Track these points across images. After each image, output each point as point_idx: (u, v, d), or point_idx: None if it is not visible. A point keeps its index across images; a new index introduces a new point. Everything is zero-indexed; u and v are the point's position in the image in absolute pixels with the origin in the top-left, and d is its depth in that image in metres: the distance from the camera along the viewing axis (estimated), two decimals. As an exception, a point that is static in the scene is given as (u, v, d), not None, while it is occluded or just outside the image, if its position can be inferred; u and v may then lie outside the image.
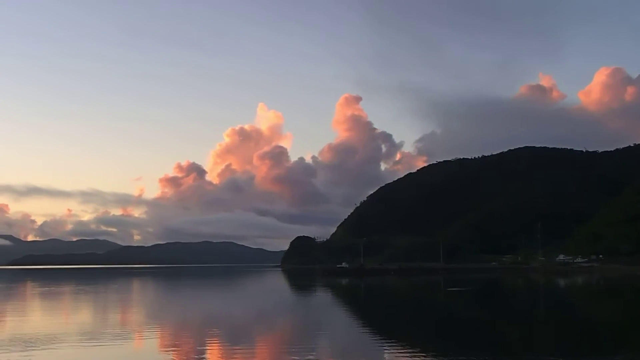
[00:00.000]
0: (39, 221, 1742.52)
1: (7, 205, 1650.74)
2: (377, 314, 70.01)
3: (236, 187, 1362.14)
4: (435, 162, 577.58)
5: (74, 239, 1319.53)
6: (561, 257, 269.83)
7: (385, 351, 38.88)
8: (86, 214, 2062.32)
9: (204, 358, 35.96)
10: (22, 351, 37.31)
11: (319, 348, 39.80)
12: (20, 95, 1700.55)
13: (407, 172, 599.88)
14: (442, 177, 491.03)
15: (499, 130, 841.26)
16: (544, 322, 58.61)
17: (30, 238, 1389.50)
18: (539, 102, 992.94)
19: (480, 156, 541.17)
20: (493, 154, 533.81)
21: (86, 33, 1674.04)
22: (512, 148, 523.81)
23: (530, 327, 52.51)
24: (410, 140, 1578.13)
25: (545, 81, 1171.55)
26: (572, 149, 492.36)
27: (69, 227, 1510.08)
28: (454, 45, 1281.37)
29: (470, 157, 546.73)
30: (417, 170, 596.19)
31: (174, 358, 36.01)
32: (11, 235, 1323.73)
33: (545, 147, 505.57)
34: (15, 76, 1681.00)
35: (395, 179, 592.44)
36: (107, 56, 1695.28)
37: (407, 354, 36.48)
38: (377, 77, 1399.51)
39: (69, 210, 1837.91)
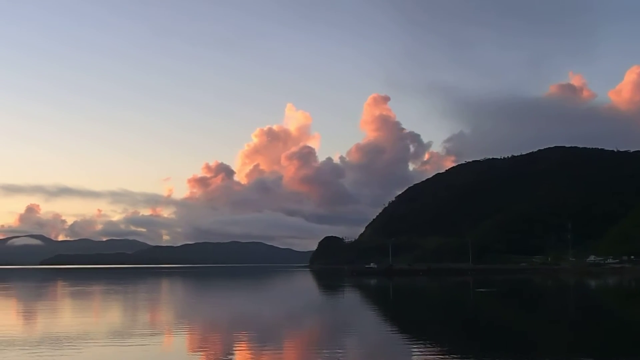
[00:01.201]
0: (70, 221, 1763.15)
1: (38, 206, 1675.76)
2: (406, 315, 69.51)
3: (264, 188, 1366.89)
4: (464, 162, 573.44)
5: (104, 239, 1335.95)
6: (592, 257, 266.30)
7: (414, 352, 38.52)
8: (116, 214, 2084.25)
9: (232, 359, 35.91)
10: (52, 350, 37.60)
11: (348, 349, 39.58)
12: (51, 96, 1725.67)
13: (436, 172, 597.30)
14: (471, 177, 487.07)
15: (529, 129, 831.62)
16: (574, 323, 57.73)
17: (61, 238, 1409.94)
18: (570, 102, 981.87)
19: (509, 156, 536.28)
20: (523, 153, 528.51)
21: (115, 34, 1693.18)
22: (542, 148, 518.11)
23: (560, 329, 51.72)
24: (439, 140, 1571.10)
25: (575, 80, 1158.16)
26: (602, 149, 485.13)
27: (99, 227, 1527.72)
28: (484, 44, 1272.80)
29: (499, 157, 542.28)
30: (446, 170, 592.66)
31: (203, 358, 36.05)
32: (42, 235, 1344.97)
33: (575, 146, 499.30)
34: (47, 78, 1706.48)
35: (424, 179, 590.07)
36: (136, 57, 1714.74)
37: (436, 355, 36.12)
38: (406, 77, 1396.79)
39: (99, 210, 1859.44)
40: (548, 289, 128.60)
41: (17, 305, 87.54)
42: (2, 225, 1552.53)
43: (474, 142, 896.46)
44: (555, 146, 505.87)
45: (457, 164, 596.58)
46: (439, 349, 38.41)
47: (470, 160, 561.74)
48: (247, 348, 40.44)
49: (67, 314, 68.46)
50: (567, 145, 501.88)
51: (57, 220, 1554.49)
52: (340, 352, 36.98)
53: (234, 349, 40.01)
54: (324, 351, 37.10)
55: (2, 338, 43.22)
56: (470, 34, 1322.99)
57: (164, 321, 59.57)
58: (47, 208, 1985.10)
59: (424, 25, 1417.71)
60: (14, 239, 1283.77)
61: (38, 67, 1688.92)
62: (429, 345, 40.44)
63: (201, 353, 37.87)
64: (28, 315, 67.56)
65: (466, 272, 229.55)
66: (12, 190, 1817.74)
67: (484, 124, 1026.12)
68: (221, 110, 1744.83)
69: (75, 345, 39.41)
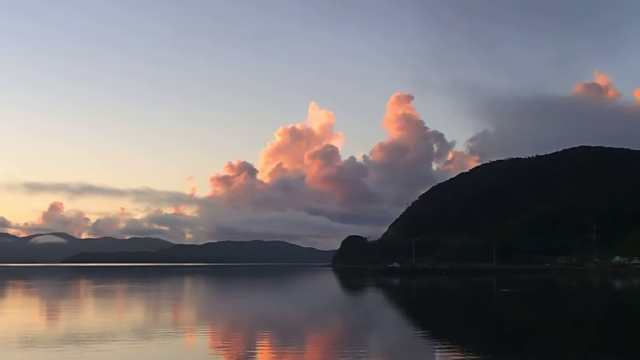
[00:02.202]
0: (93, 219, 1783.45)
1: (61, 204, 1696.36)
2: (429, 315, 69.00)
3: (287, 187, 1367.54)
4: (488, 162, 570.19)
5: (127, 237, 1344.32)
6: (617, 258, 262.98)
7: (437, 353, 38.10)
8: (139, 212, 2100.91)
9: (254, 357, 35.70)
10: (75, 349, 37.66)
11: (370, 349, 39.23)
12: (76, 95, 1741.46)
13: (460, 172, 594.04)
14: (495, 176, 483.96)
15: (554, 129, 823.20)
16: (598, 323, 56.88)
17: (84, 236, 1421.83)
18: (595, 101, 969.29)
19: (534, 156, 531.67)
20: (547, 153, 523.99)
21: (139, 33, 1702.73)
22: (567, 147, 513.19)
23: (583, 329, 50.96)
24: (462, 139, 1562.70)
25: (600, 79, 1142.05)
26: (628, 149, 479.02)
27: (122, 225, 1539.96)
28: (509, 43, 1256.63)
29: (524, 157, 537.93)
30: (470, 169, 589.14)
31: (225, 358, 35.89)
32: (65, 233, 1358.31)
33: (600, 146, 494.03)
34: (71, 77, 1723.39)
35: (448, 179, 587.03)
36: (160, 56, 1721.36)
37: (458, 356, 35.63)
38: (430, 75, 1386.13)
39: (122, 208, 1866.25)
40: (572, 290, 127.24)
41: (40, 303, 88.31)
42: (26, 223, 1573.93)
43: (498, 141, 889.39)
44: (580, 146, 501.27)
45: (481, 164, 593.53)
46: (461, 349, 37.88)
47: (494, 160, 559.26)
48: (269, 348, 40.24)
49: (90, 313, 68.85)
50: (592, 145, 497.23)
51: (80, 218, 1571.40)
52: (362, 352, 36.62)
53: (256, 348, 39.82)
54: (347, 351, 36.76)
55: (25, 336, 43.44)
56: (496, 33, 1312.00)
57: (186, 320, 59.63)
58: (71, 206, 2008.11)
59: (449, 23, 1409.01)
60: (38, 237, 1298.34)
61: (62, 66, 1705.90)
62: (451, 346, 39.95)
63: (223, 352, 37.68)
64: (51, 313, 68.06)
65: (490, 272, 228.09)
66: (36, 188, 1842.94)
67: (508, 123, 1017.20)
68: (244, 109, 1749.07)
69: (97, 344, 39.43)
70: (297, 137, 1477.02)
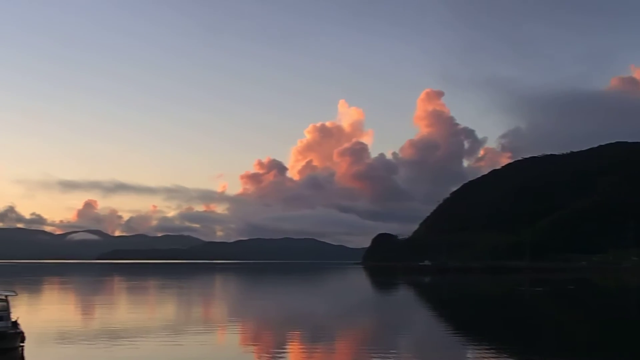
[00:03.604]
0: (126, 217, 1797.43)
1: (96, 202, 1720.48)
2: (460, 313, 68.56)
3: (317, 184, 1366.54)
4: (520, 159, 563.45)
5: (159, 235, 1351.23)
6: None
7: (468, 353, 37.87)
8: (170, 210, 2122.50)
9: (284, 355, 35.81)
10: (109, 344, 38.17)
11: (401, 347, 39.11)
12: (108, 94, 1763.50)
13: (491, 169, 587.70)
14: (528, 173, 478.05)
15: (589, 124, 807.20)
16: (633, 323, 56.01)
17: (117, 233, 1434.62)
18: (632, 95, 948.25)
19: (568, 152, 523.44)
20: (582, 149, 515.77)
21: (171, 30, 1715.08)
22: (603, 144, 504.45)
23: (617, 328, 50.19)
24: (494, 136, 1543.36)
25: (638, 74, 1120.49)
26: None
27: (154, 222, 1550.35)
28: (542, 38, 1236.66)
29: (558, 154, 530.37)
30: (502, 166, 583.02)
31: (255, 354, 36.06)
32: (100, 230, 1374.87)
33: (638, 142, 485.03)
34: (106, 75, 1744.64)
35: (479, 176, 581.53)
36: (190, 53, 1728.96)
37: (490, 355, 35.38)
38: (461, 72, 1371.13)
39: (153, 206, 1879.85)
40: (607, 289, 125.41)
41: (75, 299, 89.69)
42: (61, 221, 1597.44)
43: (531, 137, 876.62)
44: (616, 142, 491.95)
45: (513, 160, 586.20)
46: (492, 349, 37.61)
47: (527, 157, 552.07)
48: (299, 345, 40.34)
49: (123, 309, 69.68)
50: (629, 141, 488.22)
51: (113, 215, 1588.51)
52: (393, 351, 36.51)
53: (286, 345, 39.95)
54: (376, 350, 36.70)
55: (61, 331, 44.11)
56: (529, 28, 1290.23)
57: (218, 317, 60.06)
58: (104, 204, 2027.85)
59: (481, 18, 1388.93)
60: (73, 234, 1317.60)
61: (95, 64, 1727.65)
62: (482, 345, 39.72)
63: (254, 349, 37.88)
64: (86, 309, 69.04)
65: (522, 271, 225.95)
66: (71, 186, 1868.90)
67: (541, 119, 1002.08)
68: (274, 106, 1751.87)
69: (131, 340, 39.91)
70: (327, 134, 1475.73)
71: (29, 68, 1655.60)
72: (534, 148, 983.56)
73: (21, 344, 34.24)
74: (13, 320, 35.72)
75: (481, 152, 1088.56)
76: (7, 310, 35.28)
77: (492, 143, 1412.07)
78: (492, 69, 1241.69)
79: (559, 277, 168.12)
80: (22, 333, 34.49)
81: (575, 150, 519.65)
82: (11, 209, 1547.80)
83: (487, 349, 37.78)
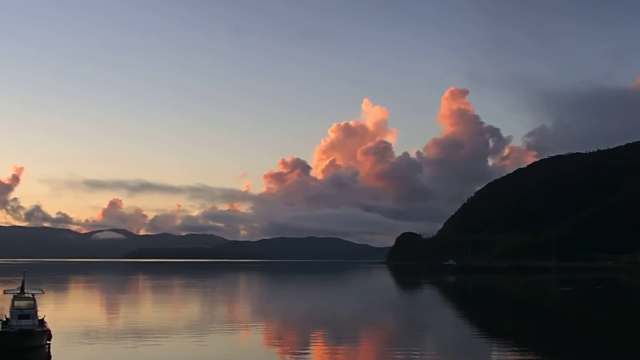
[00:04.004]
0: (150, 216, 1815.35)
1: (121, 201, 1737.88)
2: (485, 313, 67.99)
3: (340, 183, 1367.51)
4: (546, 157, 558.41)
5: (183, 234, 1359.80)
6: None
7: (493, 353, 37.47)
8: (194, 209, 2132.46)
9: (308, 355, 35.65)
10: (134, 343, 38.34)
11: (425, 347, 38.79)
12: (133, 94, 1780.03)
13: (517, 168, 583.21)
14: (554, 172, 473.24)
15: (617, 122, 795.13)
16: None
17: (142, 232, 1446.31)
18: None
19: (595, 150, 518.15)
20: (609, 147, 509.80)
21: (197, 31, 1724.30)
22: (631, 141, 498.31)
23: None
24: (519, 134, 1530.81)
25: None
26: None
27: (178, 222, 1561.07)
28: (568, 35, 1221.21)
29: (584, 152, 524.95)
30: (528, 165, 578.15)
31: (279, 354, 35.95)
32: (125, 230, 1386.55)
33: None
34: (131, 74, 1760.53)
35: (504, 175, 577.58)
36: (216, 53, 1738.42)
37: (515, 355, 34.94)
38: (486, 69, 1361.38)
39: (178, 205, 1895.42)
40: (636, 288, 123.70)
41: (101, 297, 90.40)
42: (87, 220, 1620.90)
43: (557, 136, 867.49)
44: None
45: (539, 159, 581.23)
46: (518, 349, 37.18)
47: (553, 155, 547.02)
48: (323, 344, 40.21)
49: (148, 307, 70.06)
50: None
51: (138, 214, 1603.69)
52: (416, 351, 36.20)
53: (310, 344, 39.86)
54: (400, 350, 36.42)
55: (87, 330, 44.41)
56: (555, 24, 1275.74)
57: (242, 316, 60.11)
58: (129, 203, 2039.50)
59: (506, 15, 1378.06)
60: (98, 233, 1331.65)
61: (121, 64, 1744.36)
62: (507, 344, 39.35)
63: (278, 349, 37.78)
64: (111, 308, 69.49)
65: (549, 270, 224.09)
66: (96, 185, 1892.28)
67: (567, 117, 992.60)
68: (298, 105, 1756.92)
69: (156, 339, 40.08)
70: (351, 133, 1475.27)
71: (56, 68, 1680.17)
72: (559, 146, 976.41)
73: (48, 342, 34.52)
74: (40, 318, 36.09)
75: (506, 151, 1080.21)
76: (34, 308, 35.66)
77: (517, 142, 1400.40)
78: (517, 66, 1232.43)
79: (585, 277, 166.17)
80: (48, 331, 34.78)
81: (601, 148, 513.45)
82: (37, 208, 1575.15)
83: (512, 350, 37.38)
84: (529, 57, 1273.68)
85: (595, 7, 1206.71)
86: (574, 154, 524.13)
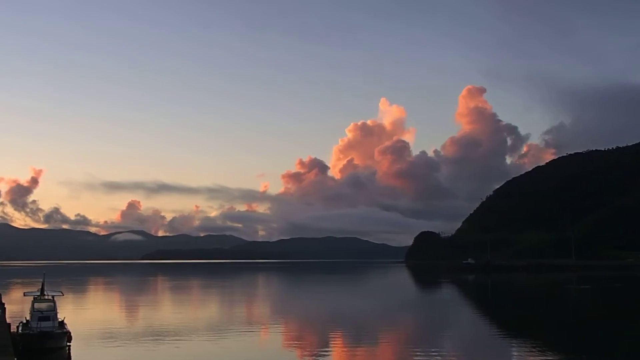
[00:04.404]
0: (169, 217, 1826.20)
1: (139, 202, 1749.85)
2: (505, 312, 67.57)
3: (358, 182, 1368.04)
4: (565, 155, 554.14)
5: (202, 235, 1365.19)
6: None
7: (513, 353, 37.22)
8: (212, 209, 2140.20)
9: (327, 355, 35.60)
10: (153, 344, 38.49)
11: (444, 347, 38.61)
12: (151, 93, 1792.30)
13: (535, 166, 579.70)
14: (573, 170, 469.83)
15: (636, 119, 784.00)
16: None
17: (160, 233, 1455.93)
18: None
19: (614, 147, 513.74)
20: (628, 144, 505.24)
21: (215, 30, 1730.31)
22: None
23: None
24: (537, 132, 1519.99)
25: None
26: None
27: (197, 222, 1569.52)
28: (588, 29, 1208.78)
29: (603, 149, 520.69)
30: (546, 163, 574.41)
31: (298, 354, 35.96)
32: (143, 231, 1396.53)
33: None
34: (148, 75, 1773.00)
35: (523, 173, 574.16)
36: (235, 52, 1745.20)
37: (535, 355, 34.69)
38: (503, 67, 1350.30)
39: (196, 206, 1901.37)
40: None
41: (120, 299, 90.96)
42: (106, 222, 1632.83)
43: (576, 133, 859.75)
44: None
45: (557, 157, 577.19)
46: (541, 349, 36.87)
47: (571, 153, 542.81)
48: (342, 345, 40.13)
49: (167, 308, 70.35)
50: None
51: (156, 216, 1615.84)
52: (435, 351, 36.04)
53: (329, 344, 39.77)
54: (419, 350, 36.26)
55: (106, 331, 44.68)
56: (574, 19, 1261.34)
57: (261, 317, 60.19)
58: (148, 204, 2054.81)
59: (524, 10, 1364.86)
60: (117, 235, 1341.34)
61: (141, 65, 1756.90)
62: (527, 343, 39.05)
63: (297, 349, 37.78)
64: (131, 309, 69.86)
65: (568, 268, 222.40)
66: (114, 187, 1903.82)
67: (586, 114, 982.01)
68: (315, 105, 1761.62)
69: (175, 340, 40.20)
70: (368, 132, 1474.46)
71: (74, 70, 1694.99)
72: (578, 144, 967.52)
73: (68, 344, 34.70)
74: (60, 320, 36.30)
75: (524, 149, 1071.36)
76: (54, 310, 35.85)
77: (535, 139, 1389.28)
78: (534, 63, 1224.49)
79: (605, 275, 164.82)
80: (68, 333, 34.96)
81: (620, 145, 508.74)
82: (56, 210, 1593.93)
83: (532, 349, 37.07)
84: (546, 54, 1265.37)
85: (611, 3, 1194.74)
86: (592, 151, 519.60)
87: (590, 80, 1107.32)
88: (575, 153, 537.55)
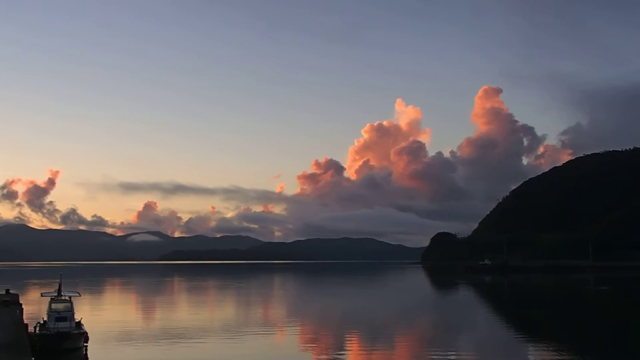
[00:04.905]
0: (185, 218, 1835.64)
1: (155, 203, 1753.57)
2: (522, 313, 67.09)
3: (374, 183, 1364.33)
4: (582, 155, 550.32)
5: (218, 236, 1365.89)
6: None
7: (530, 352, 36.95)
8: (229, 210, 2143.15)
9: (344, 356, 35.48)
10: (169, 345, 38.58)
11: (461, 348, 38.39)
12: (168, 93, 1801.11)
13: (552, 166, 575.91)
14: (590, 170, 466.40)
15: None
16: None
17: (177, 234, 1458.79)
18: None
19: (631, 148, 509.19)
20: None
21: (232, 30, 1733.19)
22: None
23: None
24: (554, 132, 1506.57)
25: None
26: None
27: (213, 223, 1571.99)
28: (603, 31, 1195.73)
29: (620, 149, 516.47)
30: (563, 163, 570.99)
31: (314, 355, 35.86)
32: (160, 232, 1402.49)
33: None
34: (164, 76, 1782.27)
35: (540, 173, 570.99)
36: (253, 48, 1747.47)
37: (553, 356, 34.38)
38: (520, 67, 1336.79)
39: (212, 207, 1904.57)
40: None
41: (137, 299, 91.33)
42: (122, 222, 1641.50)
43: (593, 134, 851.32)
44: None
45: (574, 157, 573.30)
46: (558, 350, 36.56)
47: (588, 153, 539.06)
48: (358, 346, 40.01)
49: (184, 309, 70.57)
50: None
51: (173, 217, 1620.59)
52: (452, 352, 35.85)
53: (345, 346, 39.63)
54: (436, 352, 36.07)
55: (123, 332, 44.85)
56: (589, 21, 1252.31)
57: (277, 317, 60.17)
58: (164, 205, 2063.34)
59: (540, 13, 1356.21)
60: (133, 236, 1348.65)
61: (156, 65, 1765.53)
62: (544, 344, 38.75)
63: (313, 350, 37.70)
64: (147, 309, 70.14)
65: (586, 270, 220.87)
66: (131, 188, 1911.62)
67: (603, 115, 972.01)
68: (330, 106, 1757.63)
69: (192, 341, 40.29)
70: (384, 133, 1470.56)
71: (89, 71, 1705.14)
72: (595, 144, 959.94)
73: (85, 344, 34.81)
74: (77, 320, 36.44)
75: (541, 150, 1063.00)
76: (71, 310, 35.98)
77: (552, 140, 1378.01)
78: (551, 63, 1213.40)
79: (624, 276, 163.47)
80: (85, 333, 35.08)
81: (638, 146, 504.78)
82: (73, 211, 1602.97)
83: (549, 350, 36.83)
84: (562, 54, 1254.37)
85: (629, 2, 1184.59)
86: (609, 152, 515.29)
87: (606, 80, 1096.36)
88: (593, 154, 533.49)
